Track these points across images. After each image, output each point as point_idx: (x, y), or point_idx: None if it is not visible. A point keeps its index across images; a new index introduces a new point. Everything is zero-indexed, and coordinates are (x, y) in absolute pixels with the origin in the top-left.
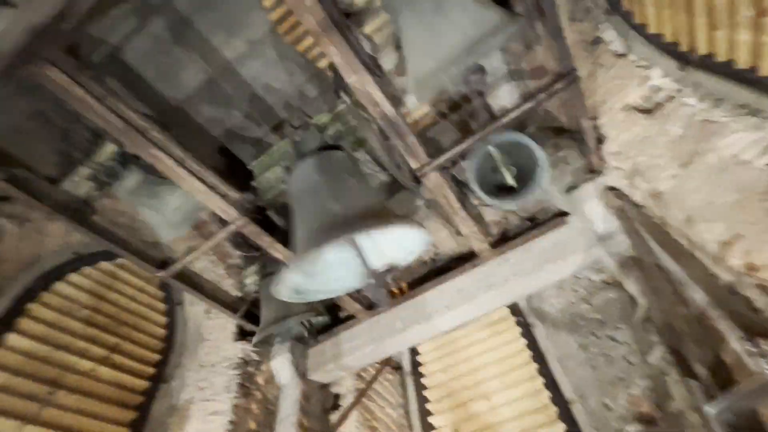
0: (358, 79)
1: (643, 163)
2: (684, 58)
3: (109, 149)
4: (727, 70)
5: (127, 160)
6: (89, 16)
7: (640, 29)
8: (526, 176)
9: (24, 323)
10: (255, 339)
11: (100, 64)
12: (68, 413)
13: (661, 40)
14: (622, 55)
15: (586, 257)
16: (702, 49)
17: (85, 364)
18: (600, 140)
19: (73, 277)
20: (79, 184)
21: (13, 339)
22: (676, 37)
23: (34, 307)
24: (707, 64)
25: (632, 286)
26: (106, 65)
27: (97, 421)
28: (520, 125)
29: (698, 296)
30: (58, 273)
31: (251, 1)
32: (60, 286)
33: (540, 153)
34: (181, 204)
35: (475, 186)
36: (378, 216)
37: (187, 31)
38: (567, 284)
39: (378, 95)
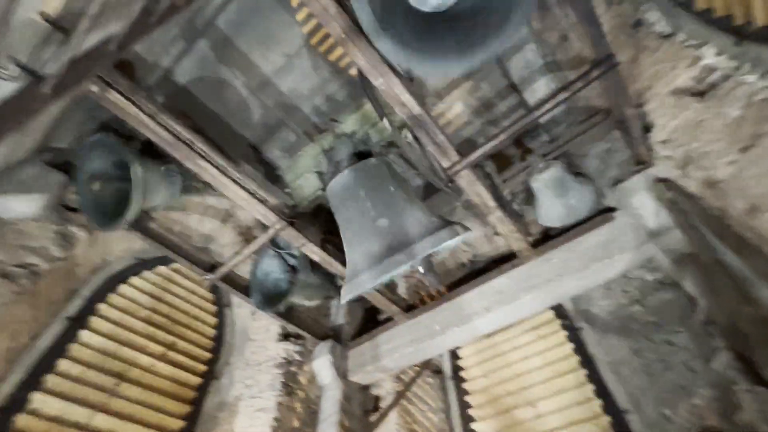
0: (384, 81)
1: (696, 150)
2: (739, 32)
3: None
4: None
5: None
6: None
7: (687, 6)
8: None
9: (94, 321)
10: (317, 352)
11: (155, 86)
12: (132, 404)
13: (712, 15)
14: (668, 36)
15: (637, 255)
16: (760, 19)
17: (146, 360)
18: (647, 129)
19: (135, 280)
20: None
21: (85, 335)
22: (729, 10)
23: (103, 307)
24: (767, 36)
25: (690, 286)
26: (160, 86)
27: (156, 412)
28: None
29: (766, 294)
30: (123, 276)
31: (286, 17)
32: (124, 289)
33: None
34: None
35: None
36: (430, 230)
37: (229, 50)
38: (616, 285)
39: (405, 96)
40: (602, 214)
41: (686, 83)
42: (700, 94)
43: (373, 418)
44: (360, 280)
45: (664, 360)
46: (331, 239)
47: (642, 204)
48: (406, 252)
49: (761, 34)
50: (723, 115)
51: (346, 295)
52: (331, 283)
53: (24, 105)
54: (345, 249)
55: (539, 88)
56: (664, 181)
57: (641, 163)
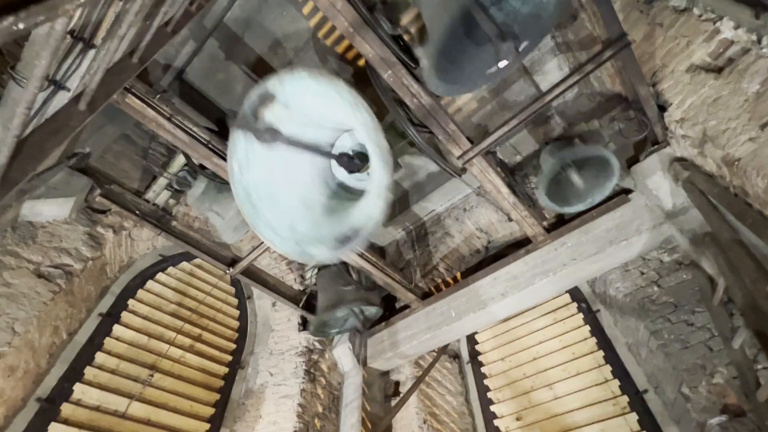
0: (393, 73)
1: (714, 128)
2: (759, 4)
3: (180, 161)
4: None
5: (194, 170)
6: (155, 49)
7: None
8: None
9: (126, 317)
10: (311, 327)
11: (169, 87)
12: (165, 393)
13: None
14: (683, 11)
15: (654, 236)
16: None
17: (176, 352)
18: (662, 108)
19: (161, 276)
20: (158, 193)
21: (119, 330)
22: None
23: (132, 303)
24: None
25: (709, 266)
26: (174, 87)
27: (188, 401)
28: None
29: None
30: (149, 273)
31: (293, 13)
32: (151, 285)
33: (615, 162)
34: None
35: (544, 198)
36: None
37: (238, 47)
38: (633, 266)
39: (415, 87)
40: (618, 195)
41: (703, 59)
42: (717, 70)
43: (393, 402)
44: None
45: (683, 340)
46: None
47: (658, 184)
48: None
49: None
50: (742, 90)
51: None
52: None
53: (64, 123)
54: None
55: (550, 70)
56: (680, 161)
57: (657, 143)
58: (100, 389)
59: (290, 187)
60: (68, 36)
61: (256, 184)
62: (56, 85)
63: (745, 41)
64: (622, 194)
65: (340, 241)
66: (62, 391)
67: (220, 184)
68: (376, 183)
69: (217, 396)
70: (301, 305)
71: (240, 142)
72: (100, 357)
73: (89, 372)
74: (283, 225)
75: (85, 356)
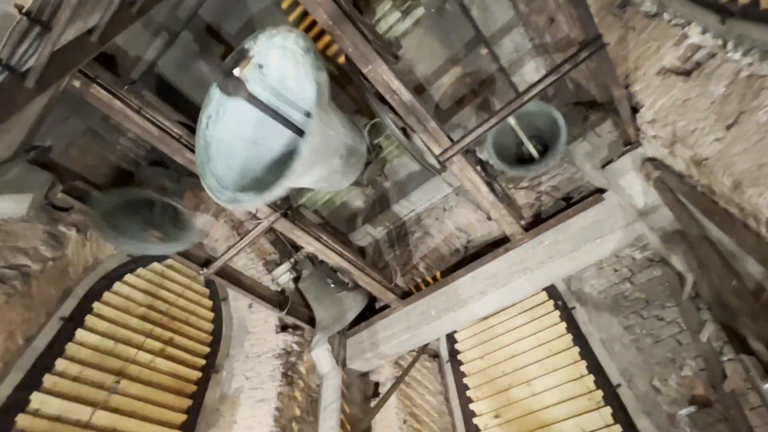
0: (373, 68)
1: (683, 128)
2: (725, 10)
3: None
4: None
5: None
6: (117, 29)
7: None
8: (546, 143)
9: (90, 320)
10: (320, 336)
11: (139, 79)
12: (133, 401)
13: None
14: (654, 15)
15: (627, 234)
16: None
17: (145, 357)
18: (635, 109)
19: (130, 277)
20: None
21: (82, 334)
22: None
23: (98, 306)
24: (751, 13)
25: (678, 262)
26: (145, 80)
27: (157, 407)
28: (546, 100)
29: (752, 267)
30: (117, 274)
31: (271, 6)
32: (119, 286)
33: (556, 113)
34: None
35: (493, 157)
36: None
37: (213, 41)
38: (607, 264)
39: (395, 84)
40: (593, 194)
41: (672, 62)
42: (686, 73)
43: (373, 403)
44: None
45: (654, 334)
46: (326, 229)
47: (631, 184)
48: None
49: (746, 11)
50: (709, 93)
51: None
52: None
53: (7, 99)
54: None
55: (528, 72)
56: (652, 161)
57: (630, 143)
58: (60, 398)
59: (251, 149)
60: (24, 18)
61: (219, 139)
62: (9, 69)
63: (711, 46)
64: (596, 193)
65: (267, 186)
66: (17, 401)
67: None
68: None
69: (189, 402)
70: (285, 311)
71: (214, 98)
72: (60, 363)
73: (48, 380)
74: (229, 180)
75: (44, 363)
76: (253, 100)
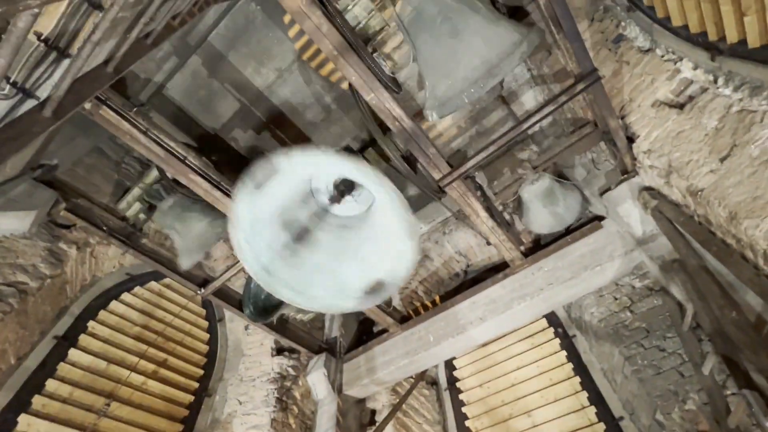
0: (375, 96)
1: (678, 159)
2: (714, 48)
3: (154, 174)
4: (762, 56)
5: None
6: (132, 60)
7: (664, 22)
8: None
9: (84, 340)
10: (311, 366)
11: (147, 101)
12: (122, 425)
13: (688, 31)
14: (647, 51)
15: (626, 262)
16: (732, 36)
17: (138, 379)
18: (631, 139)
19: (126, 296)
20: (130, 204)
21: (75, 354)
22: (703, 27)
23: (93, 325)
24: (740, 51)
25: (678, 292)
26: (153, 101)
27: None
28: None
29: (751, 299)
30: (114, 293)
31: (278, 34)
32: (115, 305)
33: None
34: (202, 232)
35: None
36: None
37: (222, 65)
38: (607, 292)
39: (397, 111)
40: (591, 222)
41: (666, 96)
42: (679, 106)
43: None
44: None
45: (656, 366)
46: None
47: (629, 212)
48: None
49: (734, 49)
50: (702, 126)
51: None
52: None
53: (25, 129)
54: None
55: (527, 101)
56: (649, 190)
57: (627, 172)
58: (48, 420)
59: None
60: (42, 44)
61: (265, 252)
62: (24, 92)
63: (703, 81)
64: (595, 221)
65: (367, 293)
66: (4, 423)
67: (188, 203)
68: (404, 247)
69: (180, 427)
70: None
71: (242, 214)
72: (51, 384)
73: (37, 401)
74: (301, 282)
75: (34, 383)
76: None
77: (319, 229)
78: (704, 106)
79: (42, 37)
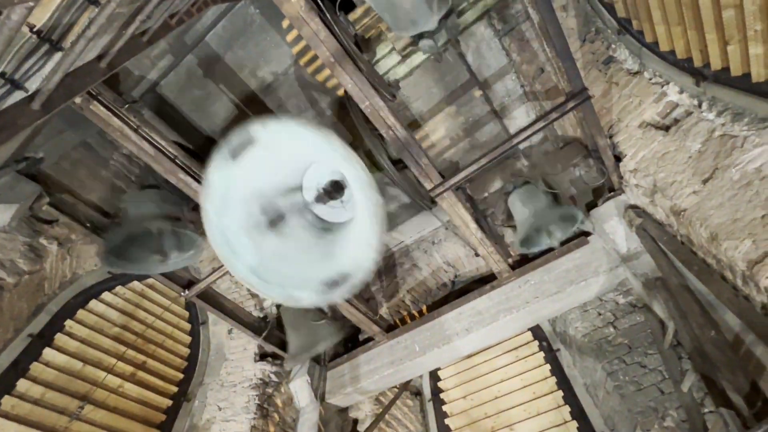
0: (370, 104)
1: (663, 180)
2: (699, 74)
3: None
4: (744, 84)
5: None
6: (127, 57)
7: (653, 47)
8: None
9: (60, 339)
10: (288, 364)
11: (140, 98)
12: (95, 429)
13: (675, 56)
14: (636, 73)
15: (611, 278)
16: (716, 64)
17: (114, 381)
18: (618, 158)
19: (107, 295)
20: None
21: (49, 354)
22: (689, 53)
23: (70, 324)
24: (723, 78)
25: (660, 309)
26: (145, 98)
27: None
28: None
29: (730, 319)
30: (94, 291)
31: (276, 38)
32: (94, 304)
33: (580, 216)
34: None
35: (516, 244)
36: None
37: (218, 66)
38: (591, 307)
39: (391, 120)
40: (578, 237)
41: (652, 118)
42: (665, 128)
43: None
44: None
45: (637, 382)
46: None
47: (614, 229)
48: None
49: (717, 76)
50: (686, 148)
51: None
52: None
53: (11, 121)
54: None
55: (519, 116)
56: (634, 208)
57: (613, 190)
58: (17, 422)
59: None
60: (34, 36)
61: (232, 227)
62: (13, 84)
63: (688, 105)
64: (581, 236)
65: (327, 285)
66: None
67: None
68: (366, 232)
69: None
70: (263, 336)
71: (215, 184)
72: (22, 384)
73: (7, 402)
74: (266, 268)
75: (5, 383)
76: (266, 183)
77: (297, 223)
78: (689, 129)
79: (35, 29)
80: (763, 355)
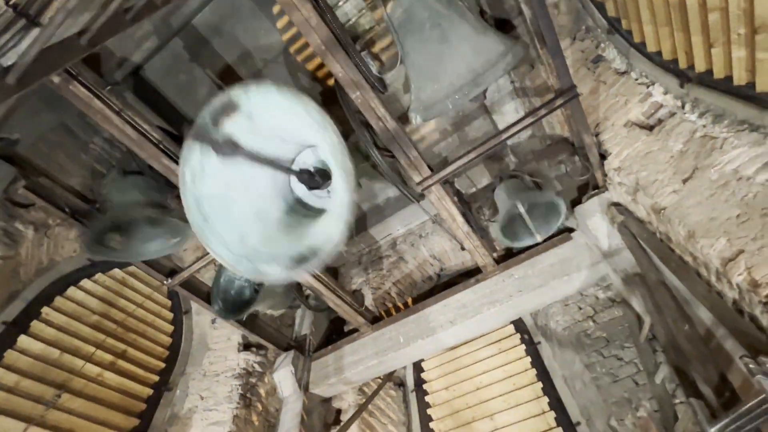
0: (361, 95)
1: (645, 178)
2: (683, 75)
3: None
4: (725, 87)
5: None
6: (109, 34)
7: (640, 47)
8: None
9: (36, 326)
10: (278, 363)
11: (123, 80)
12: (73, 417)
13: (661, 57)
14: (623, 73)
15: (592, 274)
16: (700, 66)
17: (93, 369)
18: (603, 156)
19: (86, 283)
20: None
21: (24, 341)
22: (675, 55)
23: (47, 311)
24: (706, 80)
25: (637, 304)
26: (129, 81)
27: (100, 426)
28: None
29: (702, 314)
30: (72, 278)
31: (267, 25)
32: (73, 292)
33: (563, 208)
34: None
35: (499, 235)
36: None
37: (205, 51)
38: (572, 301)
39: (381, 111)
40: (562, 233)
41: (638, 117)
42: (649, 128)
43: (333, 431)
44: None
45: (613, 374)
46: None
47: (597, 226)
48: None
49: (701, 78)
50: (668, 148)
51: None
52: (298, 292)
53: None
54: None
55: (508, 112)
56: (617, 205)
57: (597, 187)
58: None
59: (246, 200)
60: (10, 9)
61: (209, 195)
62: None
63: (672, 105)
64: (565, 232)
65: (295, 260)
66: None
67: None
68: (337, 204)
69: (136, 422)
70: (246, 326)
71: (195, 150)
72: None
73: None
74: (234, 240)
75: None
76: (250, 154)
77: (274, 202)
78: (671, 130)
79: (11, 2)
80: (732, 348)
